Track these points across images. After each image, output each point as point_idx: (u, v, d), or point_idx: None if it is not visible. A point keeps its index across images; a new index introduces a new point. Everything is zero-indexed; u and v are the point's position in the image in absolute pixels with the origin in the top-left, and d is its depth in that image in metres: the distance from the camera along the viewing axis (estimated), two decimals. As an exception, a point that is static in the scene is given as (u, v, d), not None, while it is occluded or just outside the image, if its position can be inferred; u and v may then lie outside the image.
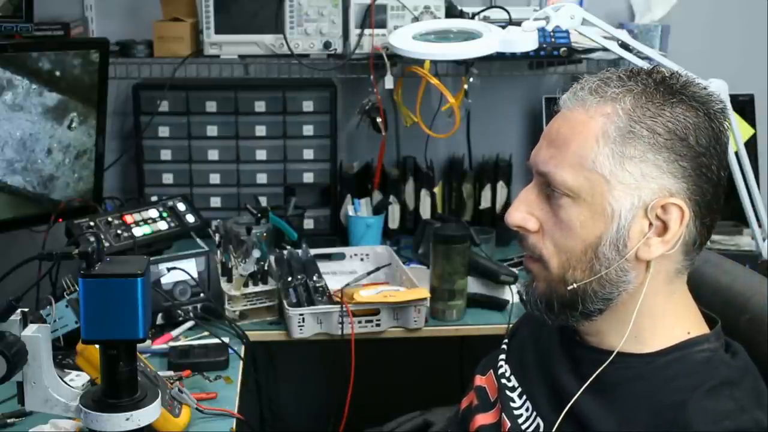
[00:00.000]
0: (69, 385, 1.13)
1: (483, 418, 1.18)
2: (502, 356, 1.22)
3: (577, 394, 1.02)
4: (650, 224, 0.98)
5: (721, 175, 1.00)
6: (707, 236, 1.02)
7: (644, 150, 0.97)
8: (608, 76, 1.02)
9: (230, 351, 1.71)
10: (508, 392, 1.15)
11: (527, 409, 1.11)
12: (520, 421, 1.11)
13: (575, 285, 1.01)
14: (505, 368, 1.19)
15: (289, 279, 1.94)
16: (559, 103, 1.06)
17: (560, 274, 1.02)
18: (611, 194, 0.98)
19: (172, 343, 1.74)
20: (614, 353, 1.02)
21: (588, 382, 1.02)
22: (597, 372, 1.01)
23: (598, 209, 0.99)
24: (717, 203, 1.01)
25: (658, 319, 1.03)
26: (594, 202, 0.99)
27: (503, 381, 1.17)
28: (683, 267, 1.03)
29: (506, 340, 1.26)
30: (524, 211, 1.05)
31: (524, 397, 1.13)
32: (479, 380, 1.24)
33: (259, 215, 2.07)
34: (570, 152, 1.00)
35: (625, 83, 1.00)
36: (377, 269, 2.09)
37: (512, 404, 1.13)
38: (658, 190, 0.97)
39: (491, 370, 1.22)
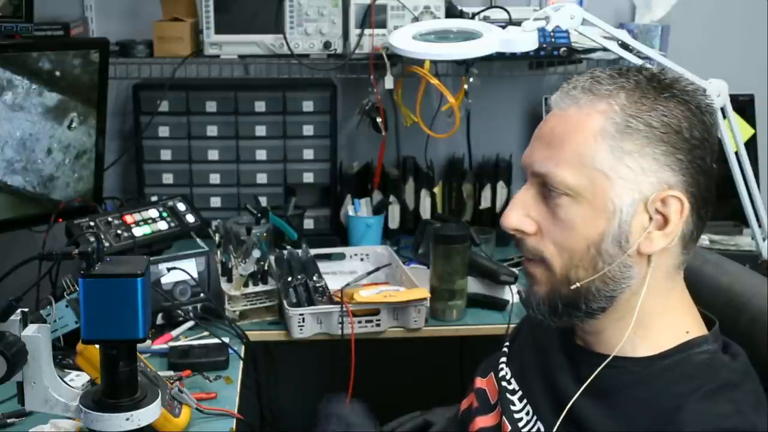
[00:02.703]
0: (69, 385, 1.13)
1: (483, 421, 1.18)
2: (503, 359, 1.22)
3: (576, 396, 1.02)
4: (650, 218, 0.99)
5: (713, 168, 1.01)
6: (702, 228, 1.03)
7: (642, 144, 0.97)
8: (599, 74, 1.03)
9: (230, 351, 1.71)
10: (508, 395, 1.15)
11: (527, 413, 1.11)
12: (520, 424, 1.10)
13: (579, 284, 1.01)
14: (505, 371, 1.19)
15: (289, 279, 1.94)
16: (550, 103, 1.06)
17: (563, 273, 1.02)
18: (612, 190, 0.98)
19: (172, 343, 1.75)
20: (610, 357, 1.02)
21: (586, 384, 1.02)
22: (595, 373, 1.01)
23: (599, 206, 0.99)
24: (711, 195, 1.02)
25: (658, 317, 1.03)
26: (595, 200, 0.99)
27: (504, 384, 1.17)
28: (681, 262, 1.04)
29: (507, 343, 1.26)
30: (520, 214, 1.04)
31: (525, 400, 1.13)
32: (480, 382, 1.24)
33: (259, 215, 2.07)
34: (568, 151, 1.00)
35: (617, 80, 1.01)
36: (377, 269, 2.09)
37: (512, 407, 1.13)
38: (657, 183, 0.98)
39: (492, 373, 1.22)
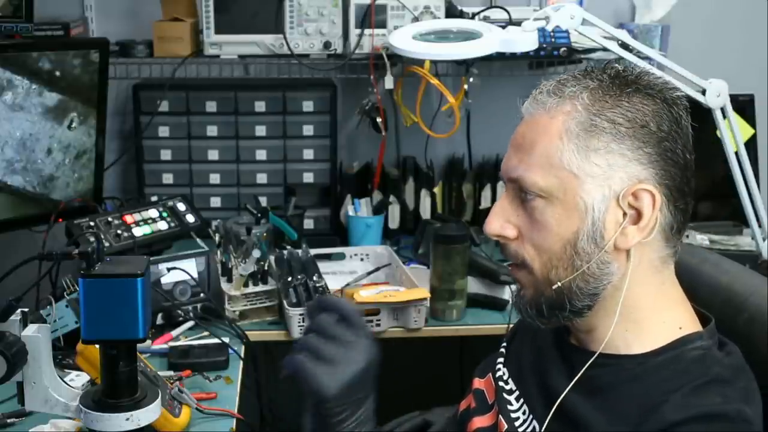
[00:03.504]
0: (69, 385, 1.13)
1: (480, 421, 1.18)
2: (501, 359, 1.22)
3: (565, 392, 1.03)
4: (624, 213, 0.99)
5: (687, 158, 1.01)
6: (684, 221, 1.03)
7: (608, 141, 0.98)
8: (565, 77, 1.05)
9: (230, 351, 1.71)
10: (505, 395, 1.15)
11: (524, 412, 1.11)
12: (517, 424, 1.11)
13: (560, 283, 1.02)
14: (503, 371, 1.19)
15: (289, 279, 1.94)
16: (522, 110, 1.08)
17: (544, 275, 1.03)
18: (582, 188, 0.99)
19: (172, 343, 1.75)
20: (597, 354, 1.02)
21: (574, 380, 1.02)
22: (583, 368, 1.02)
23: (571, 205, 1.00)
24: (687, 186, 1.02)
25: (649, 313, 1.03)
26: (566, 199, 1.00)
27: (501, 384, 1.18)
28: (667, 255, 1.04)
29: (505, 343, 1.26)
30: (501, 220, 1.06)
31: (521, 400, 1.13)
32: (477, 383, 1.24)
33: (259, 215, 2.08)
34: (536, 154, 1.01)
35: (581, 81, 1.02)
36: (377, 269, 2.09)
37: (509, 407, 1.13)
38: (626, 178, 0.99)
39: (489, 373, 1.22)
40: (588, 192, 0.99)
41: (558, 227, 1.01)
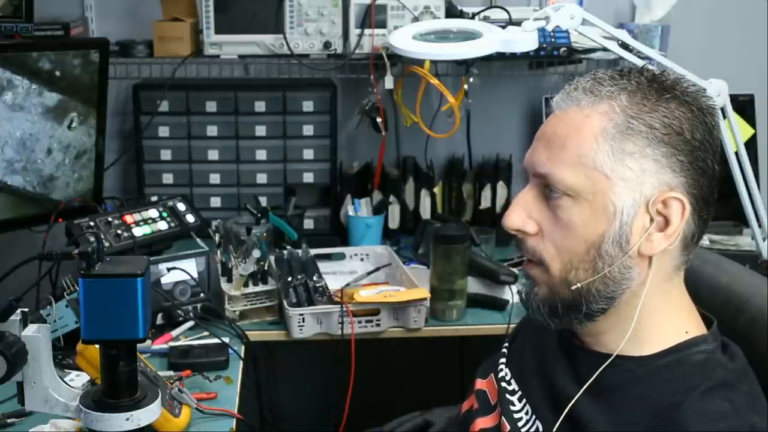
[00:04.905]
0: (69, 385, 1.13)
1: (483, 422, 1.18)
2: (503, 359, 1.22)
3: (576, 397, 1.02)
4: (651, 219, 0.99)
5: (715, 169, 1.01)
6: (703, 230, 1.03)
7: (643, 145, 0.98)
8: (600, 75, 1.03)
9: (230, 351, 1.71)
10: (508, 396, 1.15)
11: (527, 413, 1.11)
12: (519, 424, 1.11)
13: (579, 285, 1.01)
14: (505, 372, 1.19)
15: (289, 279, 1.94)
16: (552, 104, 1.06)
17: (562, 276, 1.02)
18: (612, 191, 0.98)
19: (172, 343, 1.75)
20: (613, 356, 1.02)
21: (586, 384, 1.02)
22: (596, 374, 1.01)
23: (599, 207, 0.99)
24: (712, 197, 1.02)
25: (657, 317, 1.03)
26: (595, 201, 0.99)
27: (503, 384, 1.17)
28: (681, 263, 1.04)
29: (507, 344, 1.26)
30: (522, 214, 1.04)
31: (524, 400, 1.13)
32: (480, 384, 1.24)
33: (259, 215, 2.07)
34: (569, 152, 1.00)
35: (618, 82, 1.01)
36: (377, 269, 2.09)
37: (512, 407, 1.13)
38: (658, 185, 0.98)
39: (492, 374, 1.22)
40: (618, 195, 0.98)
41: (583, 228, 1.00)
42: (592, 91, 1.01)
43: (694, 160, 0.99)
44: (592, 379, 1.02)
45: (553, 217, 1.02)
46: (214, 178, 2.37)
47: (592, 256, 1.00)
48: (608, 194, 0.98)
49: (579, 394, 1.02)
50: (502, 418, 1.13)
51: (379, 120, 2.28)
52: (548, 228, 1.02)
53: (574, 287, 1.01)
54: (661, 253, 1.00)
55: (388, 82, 2.22)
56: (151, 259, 1.19)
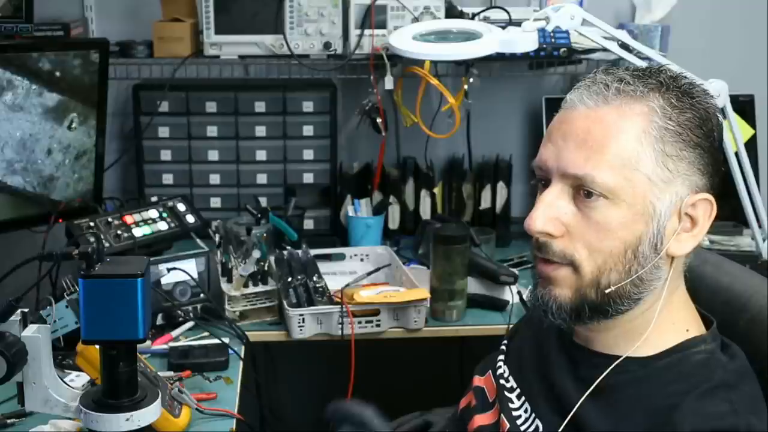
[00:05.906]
0: (69, 385, 1.13)
1: (481, 419, 1.18)
2: (501, 357, 1.22)
3: (581, 400, 1.02)
4: (679, 221, 1.00)
5: (722, 170, 1.04)
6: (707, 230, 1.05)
7: (680, 147, 0.98)
8: (621, 74, 1.02)
9: (230, 351, 1.72)
10: (506, 393, 1.15)
11: (526, 411, 1.11)
12: (518, 422, 1.11)
13: (613, 288, 1.00)
14: (503, 369, 1.19)
15: (289, 279, 1.94)
16: (571, 100, 1.03)
17: (593, 278, 1.00)
18: (652, 193, 0.98)
19: (172, 344, 1.75)
20: (622, 358, 1.02)
21: (591, 388, 1.01)
22: (602, 376, 1.01)
23: (638, 208, 0.98)
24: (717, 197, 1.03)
25: (661, 316, 1.03)
26: (635, 202, 0.98)
27: (502, 382, 1.17)
28: (687, 263, 1.06)
29: (505, 341, 1.26)
30: (548, 216, 1.01)
31: (523, 398, 1.13)
32: (478, 381, 1.24)
33: (259, 215, 2.08)
34: (610, 153, 0.98)
35: (645, 81, 1.00)
36: (377, 269, 2.08)
37: (511, 405, 1.13)
38: (689, 186, 0.99)
39: (490, 371, 1.22)
40: (658, 197, 0.98)
41: (621, 229, 0.99)
42: (619, 89, 1.00)
43: (716, 161, 1.01)
44: (597, 383, 1.01)
45: (585, 218, 1.00)
46: (214, 179, 2.37)
47: (628, 257, 0.99)
48: (648, 196, 0.98)
49: (582, 398, 1.02)
50: (501, 415, 1.13)
51: (379, 120, 2.28)
52: (579, 230, 1.00)
53: (608, 290, 1.00)
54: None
55: (388, 83, 2.22)
56: (151, 259, 1.19)
